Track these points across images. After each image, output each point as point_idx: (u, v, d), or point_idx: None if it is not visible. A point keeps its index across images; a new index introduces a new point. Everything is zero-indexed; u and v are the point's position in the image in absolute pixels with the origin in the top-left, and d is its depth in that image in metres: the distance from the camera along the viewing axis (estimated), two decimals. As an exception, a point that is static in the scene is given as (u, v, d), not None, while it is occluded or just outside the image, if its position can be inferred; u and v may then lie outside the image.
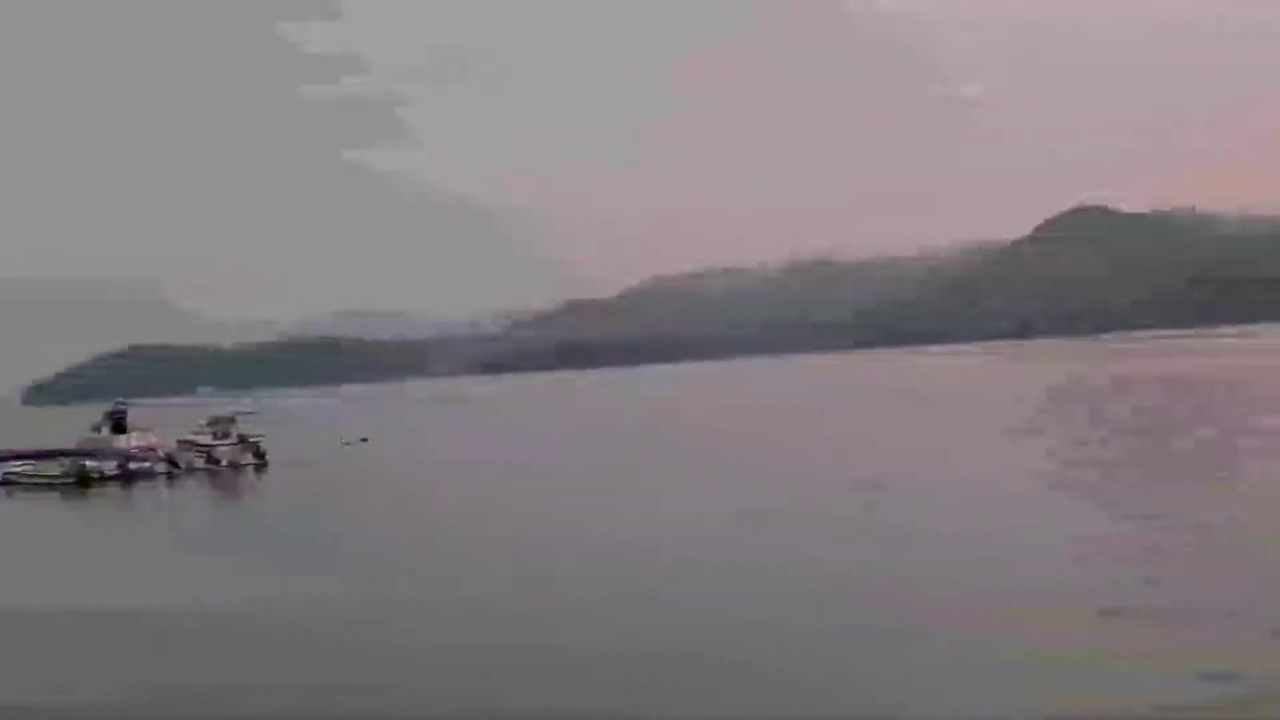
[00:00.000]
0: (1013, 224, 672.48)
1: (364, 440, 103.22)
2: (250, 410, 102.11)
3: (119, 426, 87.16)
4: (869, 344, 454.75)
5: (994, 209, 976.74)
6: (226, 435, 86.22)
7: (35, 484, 78.22)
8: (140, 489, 75.05)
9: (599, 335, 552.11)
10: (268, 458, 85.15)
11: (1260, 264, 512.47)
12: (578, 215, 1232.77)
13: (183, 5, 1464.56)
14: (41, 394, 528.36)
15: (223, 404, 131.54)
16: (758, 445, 70.30)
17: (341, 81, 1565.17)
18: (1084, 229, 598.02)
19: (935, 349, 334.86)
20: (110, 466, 79.39)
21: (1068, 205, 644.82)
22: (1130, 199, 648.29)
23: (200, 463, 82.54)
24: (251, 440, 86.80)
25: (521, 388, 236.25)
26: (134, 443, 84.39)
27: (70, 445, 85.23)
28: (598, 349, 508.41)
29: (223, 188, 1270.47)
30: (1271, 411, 62.54)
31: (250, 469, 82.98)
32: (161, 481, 78.28)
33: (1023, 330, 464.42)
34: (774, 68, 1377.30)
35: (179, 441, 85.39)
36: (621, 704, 18.75)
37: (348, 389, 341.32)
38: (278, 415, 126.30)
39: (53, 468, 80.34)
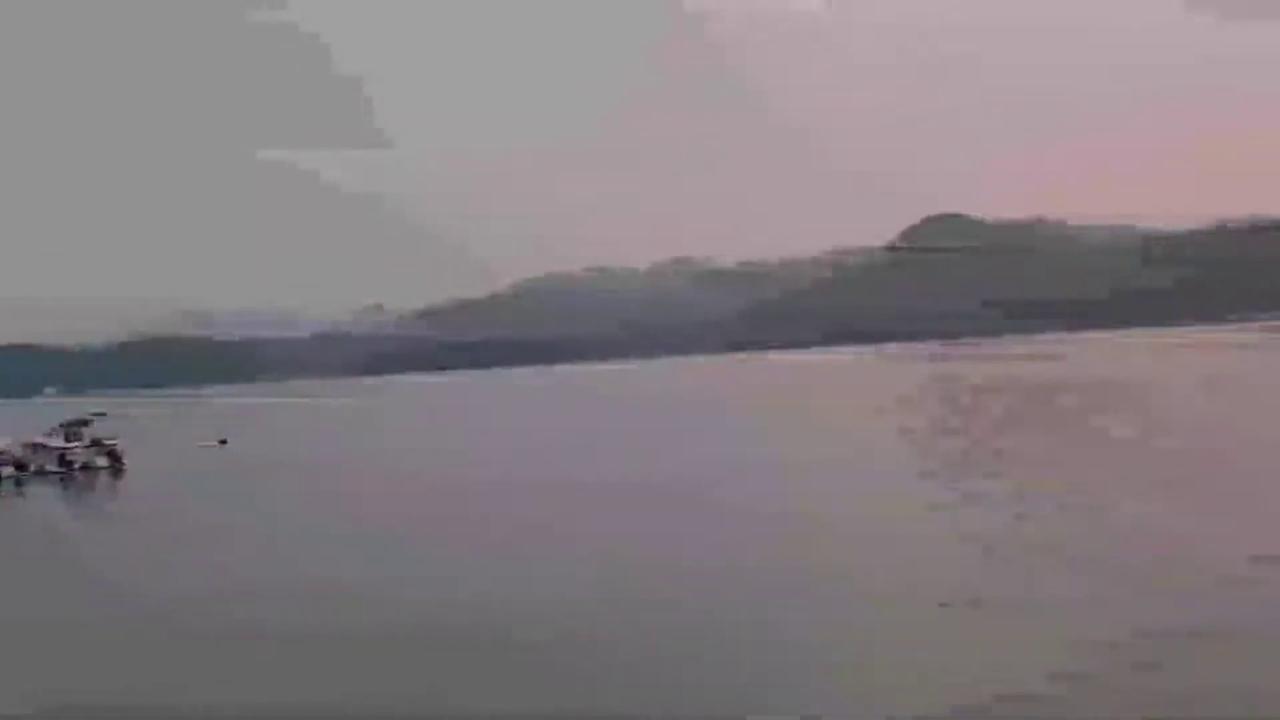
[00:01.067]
0: (877, 231, 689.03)
1: (222, 443, 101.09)
2: (103, 412, 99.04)
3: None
4: (744, 347, 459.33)
5: (860, 217, 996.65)
6: (79, 438, 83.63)
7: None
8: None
9: (487, 334, 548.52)
10: (124, 461, 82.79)
11: (1121, 274, 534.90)
12: (470, 211, 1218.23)
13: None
14: None
15: (73, 406, 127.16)
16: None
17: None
18: (942, 237, 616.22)
19: (811, 352, 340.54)
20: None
21: (929, 214, 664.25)
22: (990, 208, 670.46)
23: (52, 466, 79.92)
24: (107, 443, 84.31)
25: (371, 394, 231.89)
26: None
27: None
28: (480, 349, 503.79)
29: (91, 173, 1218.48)
30: (1080, 416, 65.32)
31: (105, 473, 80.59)
32: (9, 486, 75.53)
33: (887, 334, 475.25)
34: (650, 82, 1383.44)
35: (26, 445, 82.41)
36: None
37: (212, 390, 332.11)
38: (134, 417, 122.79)
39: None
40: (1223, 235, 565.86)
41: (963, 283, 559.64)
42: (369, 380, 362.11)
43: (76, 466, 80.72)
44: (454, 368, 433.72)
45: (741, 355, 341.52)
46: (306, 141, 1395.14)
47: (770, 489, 41.43)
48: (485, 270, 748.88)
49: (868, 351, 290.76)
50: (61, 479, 77.92)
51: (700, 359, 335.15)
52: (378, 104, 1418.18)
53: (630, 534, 34.09)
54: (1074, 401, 76.83)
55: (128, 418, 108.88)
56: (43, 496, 71.48)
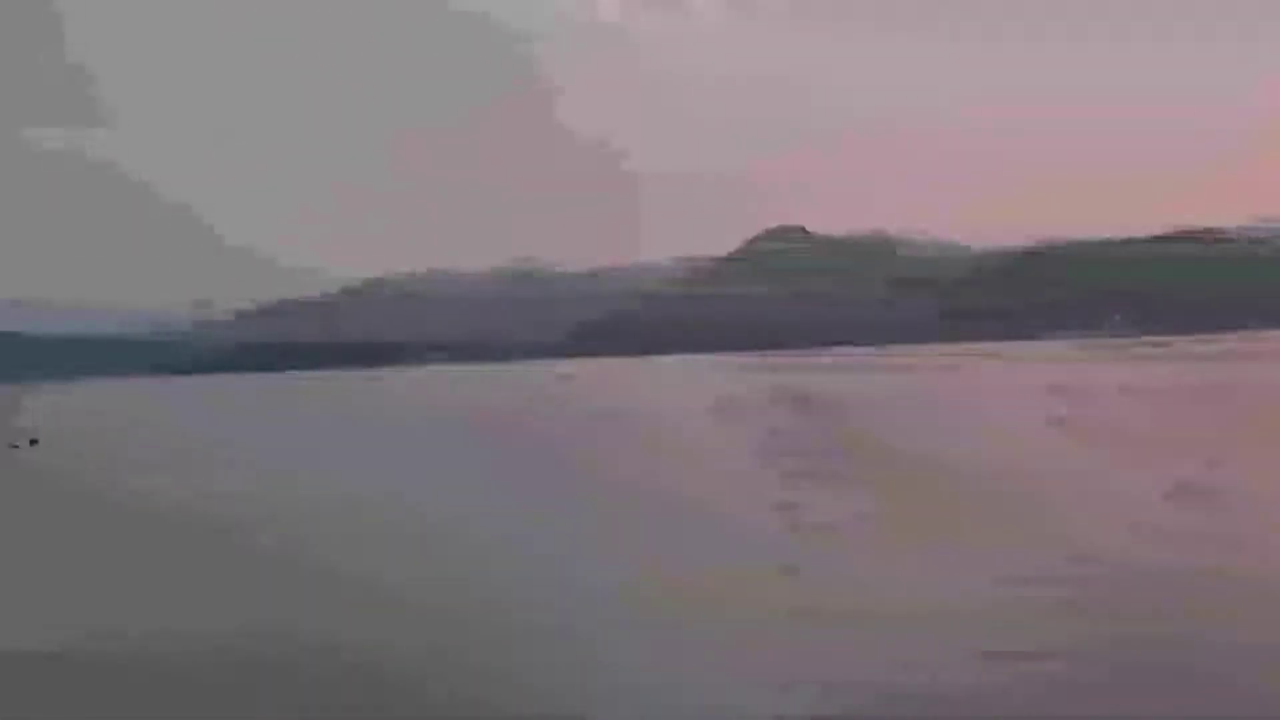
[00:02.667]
0: (720, 242, 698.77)
1: (34, 443, 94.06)
2: None
3: None
4: (589, 353, 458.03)
5: (707, 228, 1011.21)
6: None
7: None
8: None
9: (316, 335, 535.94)
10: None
11: (942, 285, 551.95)
12: (303, 208, 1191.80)
13: None
14: None
15: None
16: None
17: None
18: (781, 249, 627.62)
19: (663, 359, 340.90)
20: None
21: (769, 226, 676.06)
22: (827, 222, 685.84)
23: None
24: None
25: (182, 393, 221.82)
26: None
27: None
28: (303, 351, 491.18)
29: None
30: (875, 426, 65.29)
31: None
32: None
33: (728, 343, 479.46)
34: (496, 90, 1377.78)
35: None
36: None
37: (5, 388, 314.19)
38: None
39: None
40: (1046, 255, 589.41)
41: (801, 294, 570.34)
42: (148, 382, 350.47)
43: None
44: (274, 368, 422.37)
45: (565, 363, 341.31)
46: (121, 143, 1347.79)
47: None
48: (317, 271, 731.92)
49: (701, 361, 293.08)
50: None
51: (541, 365, 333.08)
52: (192, 92, 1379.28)
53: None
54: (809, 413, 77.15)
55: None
56: None
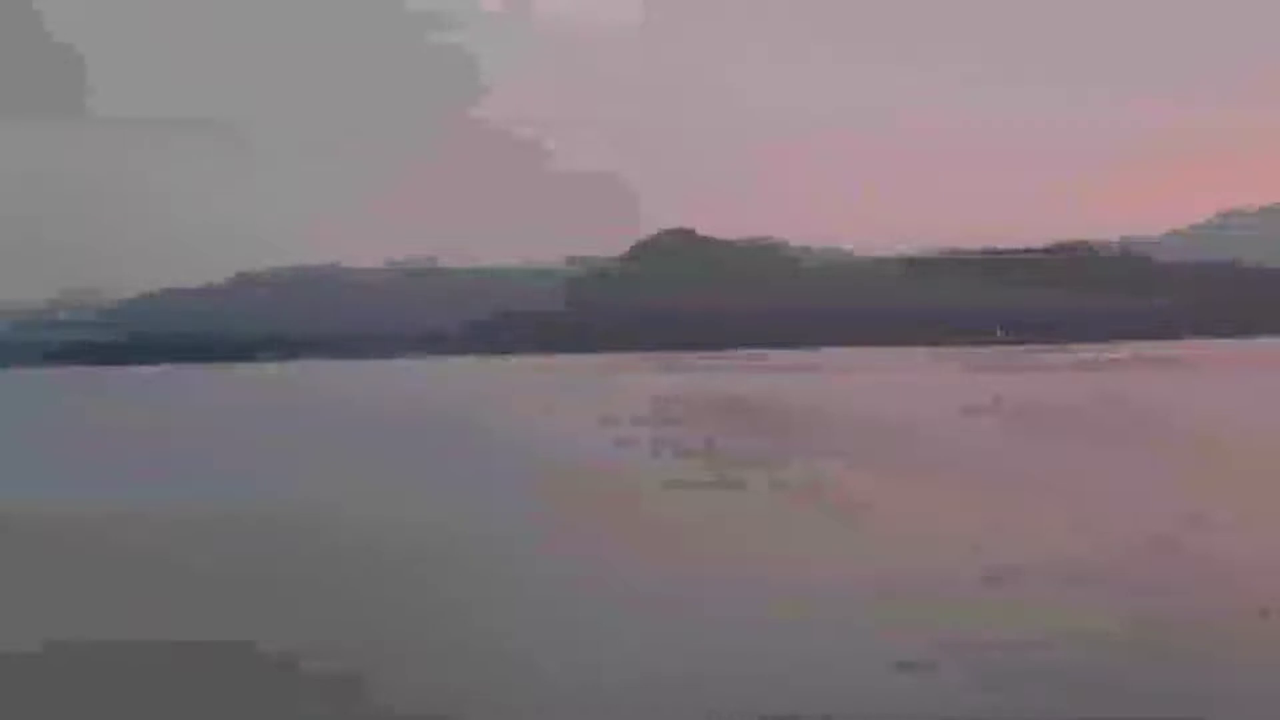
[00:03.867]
0: (613, 242, 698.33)
1: None
2: None
3: None
4: (483, 351, 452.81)
5: (600, 227, 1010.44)
6: None
7: None
8: None
9: (195, 326, 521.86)
10: None
11: (832, 292, 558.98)
12: (196, 194, 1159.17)
13: None
14: None
15: None
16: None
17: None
18: (674, 252, 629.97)
19: (559, 358, 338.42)
20: None
21: (662, 227, 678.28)
22: (720, 227, 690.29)
23: None
24: None
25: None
26: None
27: None
28: (174, 341, 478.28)
29: None
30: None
31: None
32: None
33: (624, 344, 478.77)
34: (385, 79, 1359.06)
35: None
36: None
37: None
38: None
39: None
40: (932, 264, 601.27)
41: (691, 297, 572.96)
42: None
43: None
44: (145, 361, 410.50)
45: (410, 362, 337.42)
46: None
47: None
48: (208, 260, 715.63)
49: (588, 361, 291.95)
50: None
51: (425, 363, 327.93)
52: (72, 74, 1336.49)
53: None
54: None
55: None
56: None
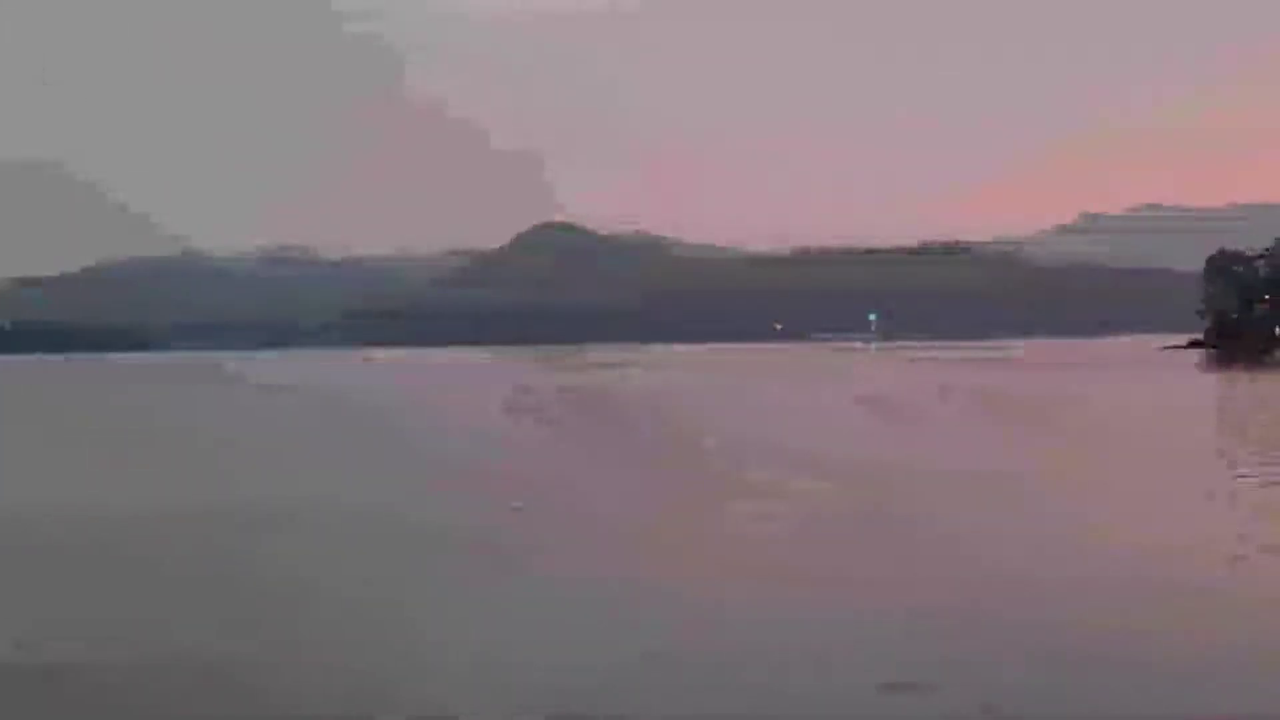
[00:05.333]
0: (493, 234, 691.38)
1: None
2: None
3: None
4: (362, 343, 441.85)
5: (477, 219, 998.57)
6: None
7: None
8: None
9: (53, 315, 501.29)
10: None
11: (703, 285, 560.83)
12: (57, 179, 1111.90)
13: None
14: None
15: None
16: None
17: None
18: (553, 244, 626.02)
19: (440, 350, 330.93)
20: None
21: (541, 220, 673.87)
22: (598, 220, 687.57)
23: None
24: None
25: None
26: None
27: None
28: (23, 333, 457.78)
29: None
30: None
31: None
32: None
33: (508, 336, 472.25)
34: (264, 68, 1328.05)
35: None
36: None
37: None
38: None
39: None
40: (809, 261, 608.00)
41: (566, 289, 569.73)
42: None
43: None
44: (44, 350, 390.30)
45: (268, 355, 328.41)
46: None
47: None
48: (62, 247, 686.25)
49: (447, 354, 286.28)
50: None
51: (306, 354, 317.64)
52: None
53: None
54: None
55: None
56: None
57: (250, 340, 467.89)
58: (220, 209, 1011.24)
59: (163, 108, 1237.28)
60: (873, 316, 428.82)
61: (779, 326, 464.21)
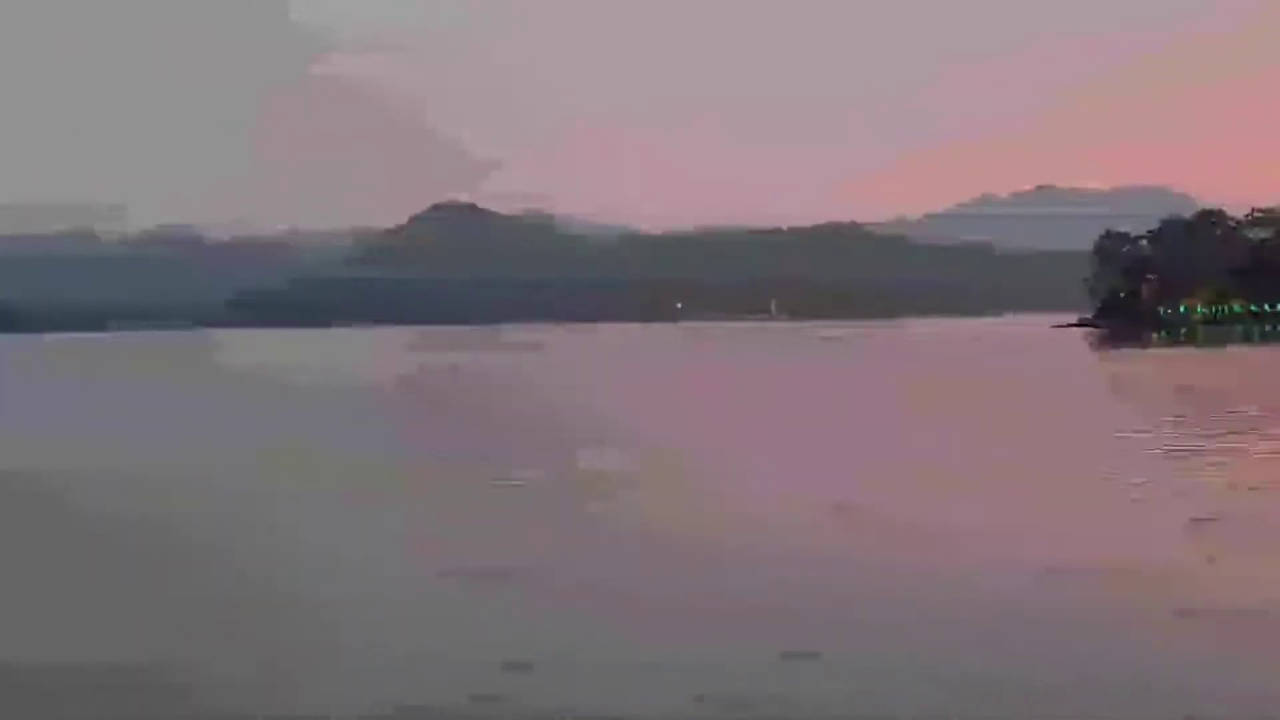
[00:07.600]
0: (390, 214, 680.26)
1: None
2: None
3: None
4: (251, 324, 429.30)
5: (372, 198, 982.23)
6: None
7: None
8: None
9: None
10: None
11: (604, 266, 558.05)
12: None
13: None
14: None
15: None
16: None
17: None
18: (452, 224, 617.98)
19: (339, 330, 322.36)
20: None
21: (438, 200, 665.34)
22: (498, 201, 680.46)
23: None
24: None
25: None
26: None
27: None
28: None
29: None
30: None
31: None
32: None
33: (409, 315, 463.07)
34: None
35: None
36: None
37: None
38: None
39: None
40: (709, 241, 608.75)
41: (464, 269, 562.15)
42: None
43: None
44: None
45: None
46: None
47: None
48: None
49: (346, 335, 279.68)
50: None
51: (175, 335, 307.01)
52: None
53: None
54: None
55: None
56: None
57: (119, 322, 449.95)
58: (115, 186, 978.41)
59: (41, 79, 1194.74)
60: (774, 301, 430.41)
61: (679, 305, 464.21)
